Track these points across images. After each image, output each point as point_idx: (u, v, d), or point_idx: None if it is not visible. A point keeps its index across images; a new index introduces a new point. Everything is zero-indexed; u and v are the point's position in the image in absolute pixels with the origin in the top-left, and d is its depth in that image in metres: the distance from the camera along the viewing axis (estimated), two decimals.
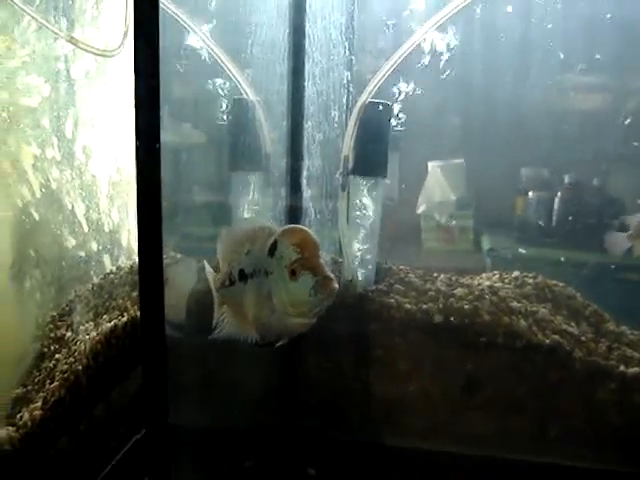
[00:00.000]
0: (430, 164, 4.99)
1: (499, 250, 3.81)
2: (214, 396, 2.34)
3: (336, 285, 1.42)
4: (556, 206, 4.85)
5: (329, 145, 2.30)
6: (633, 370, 2.27)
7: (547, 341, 2.28)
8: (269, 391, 2.34)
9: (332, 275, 1.41)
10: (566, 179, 4.94)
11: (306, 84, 2.22)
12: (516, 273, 2.68)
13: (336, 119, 2.30)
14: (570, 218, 4.81)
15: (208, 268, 1.70)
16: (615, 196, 4.91)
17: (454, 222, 4.71)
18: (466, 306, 2.30)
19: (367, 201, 2.40)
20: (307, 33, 2.22)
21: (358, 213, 2.40)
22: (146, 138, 1.34)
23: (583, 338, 2.34)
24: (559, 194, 4.87)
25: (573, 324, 2.42)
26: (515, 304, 2.36)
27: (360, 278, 2.40)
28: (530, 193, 4.95)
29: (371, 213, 2.40)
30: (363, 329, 2.34)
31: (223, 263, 1.62)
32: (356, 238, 2.42)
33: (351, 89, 2.32)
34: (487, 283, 2.52)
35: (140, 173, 1.35)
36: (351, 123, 2.38)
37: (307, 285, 1.41)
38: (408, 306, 2.32)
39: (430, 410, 2.34)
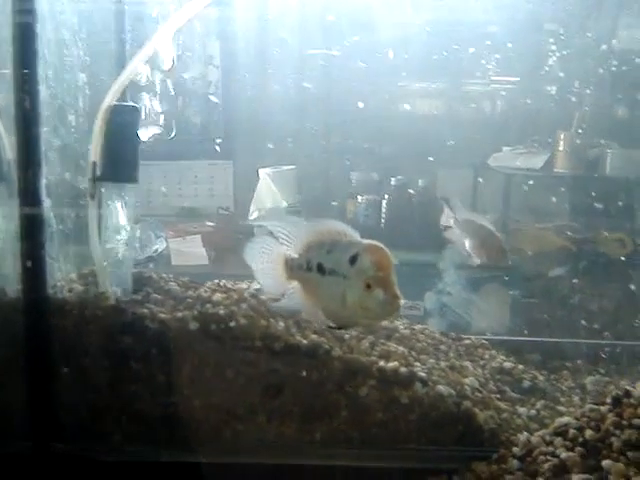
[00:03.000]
0: (261, 171, 4.95)
1: None
2: None
3: (402, 302, 1.67)
4: (384, 208, 4.93)
5: (69, 151, 2.18)
6: (392, 364, 2.25)
7: (305, 341, 2.23)
8: (17, 412, 2.17)
9: (399, 293, 1.66)
10: (392, 181, 5.05)
11: (40, 87, 2.08)
12: None
13: (73, 123, 2.18)
14: (396, 219, 4.91)
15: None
16: (441, 196, 5.04)
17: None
18: (221, 311, 2.22)
19: (119, 208, 2.28)
20: (37, 34, 2.09)
21: (110, 220, 2.28)
22: None
23: (347, 336, 2.31)
24: (386, 196, 4.96)
25: None
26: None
27: (115, 288, 2.28)
28: (359, 197, 5.02)
29: (124, 220, 2.29)
30: (116, 342, 2.21)
31: (303, 249, 1.81)
32: (109, 246, 2.29)
33: (87, 91, 2.20)
34: (257, 286, 2.46)
35: None
36: (97, 127, 2.26)
37: (378, 299, 1.65)
38: (163, 315, 2.22)
39: (194, 422, 2.24)
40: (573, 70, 5.06)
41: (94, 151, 2.26)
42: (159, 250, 4.84)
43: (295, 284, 1.84)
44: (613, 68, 4.88)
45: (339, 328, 1.94)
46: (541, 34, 4.99)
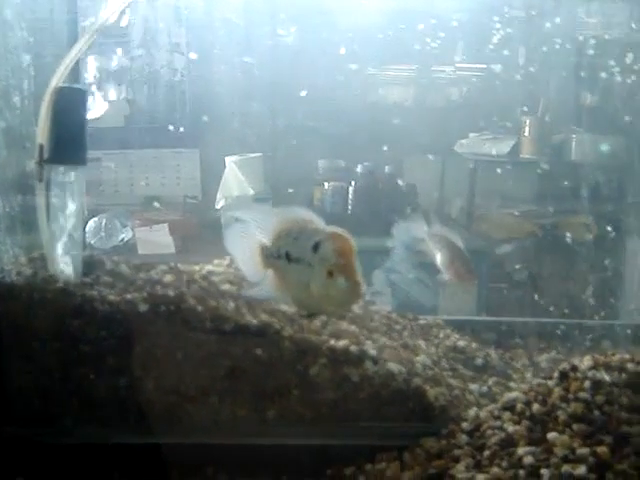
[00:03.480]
0: (227, 159, 4.94)
1: None
2: None
3: (364, 289, 1.70)
4: (350, 195, 4.94)
5: (14, 133, 2.15)
6: (342, 343, 2.26)
7: (255, 321, 2.23)
8: None
9: (362, 280, 1.68)
10: (359, 168, 5.06)
11: None
12: None
13: (18, 105, 2.15)
14: (362, 205, 4.92)
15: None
16: (408, 182, 5.07)
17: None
18: (171, 293, 2.22)
19: (67, 191, 2.26)
20: None
21: (58, 203, 2.26)
22: None
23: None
24: (353, 183, 4.97)
25: None
26: (226, 286, 2.30)
27: (65, 271, 2.27)
28: (326, 184, 5.02)
29: (73, 202, 2.27)
30: (65, 325, 2.20)
31: (275, 237, 1.83)
32: (58, 229, 2.28)
33: (32, 72, 2.18)
34: (209, 268, 2.46)
35: None
36: (43, 109, 2.24)
37: (340, 286, 1.67)
38: (112, 297, 2.21)
39: (145, 403, 2.23)
40: (538, 57, 5.09)
41: (41, 133, 2.24)
42: (125, 239, 4.82)
43: (269, 272, 1.86)
44: (580, 53, 4.91)
45: (309, 316, 2.00)
46: (507, 21, 5.01)
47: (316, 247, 1.71)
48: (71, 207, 2.29)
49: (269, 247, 1.84)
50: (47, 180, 2.25)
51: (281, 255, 1.79)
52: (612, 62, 4.65)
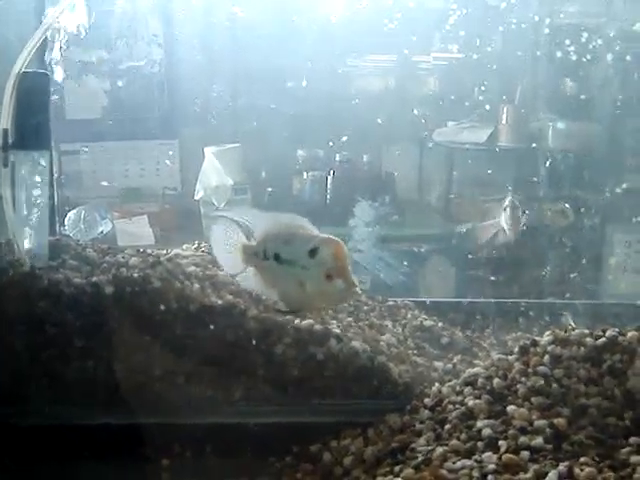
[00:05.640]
0: (206, 149, 4.95)
1: None
2: None
3: (359, 290, 2.01)
4: (329, 184, 4.97)
5: None
6: (307, 322, 2.29)
7: (220, 302, 2.26)
8: None
9: (357, 282, 1.91)
10: (337, 157, 5.08)
11: None
12: None
13: None
14: (341, 194, 4.95)
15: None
16: (387, 171, 5.10)
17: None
18: (136, 274, 2.24)
19: (33, 175, 2.28)
20: None
21: (24, 188, 2.28)
22: None
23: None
24: (331, 172, 4.99)
25: None
26: (192, 269, 2.33)
27: (32, 255, 2.28)
28: (305, 173, 5.04)
29: (38, 188, 2.29)
30: (32, 308, 2.22)
31: (261, 238, 2.00)
32: (24, 214, 2.30)
33: None
34: (176, 251, 2.48)
35: None
36: (7, 94, 2.25)
37: (338, 288, 1.87)
38: (77, 280, 2.23)
39: (112, 384, 2.26)
40: (515, 44, 5.12)
41: (5, 118, 2.25)
42: (104, 232, 4.82)
43: (250, 268, 2.05)
44: (556, 41, 4.94)
45: (292, 312, 2.15)
46: (483, 9, 5.04)
47: (313, 252, 1.89)
48: (36, 192, 2.30)
49: (252, 246, 2.02)
50: (12, 165, 2.26)
51: (268, 256, 1.97)
52: (590, 49, 4.69)
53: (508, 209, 3.59)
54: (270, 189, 5.08)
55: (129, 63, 5.07)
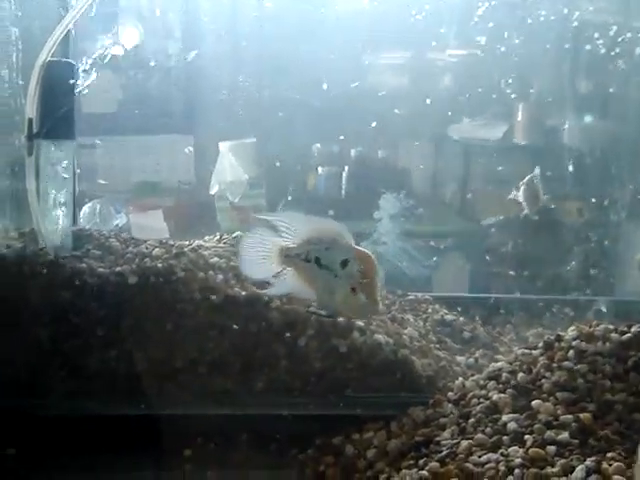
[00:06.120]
0: (221, 144, 4.94)
1: None
2: None
3: (381, 307, 2.05)
4: (344, 180, 4.94)
5: (2, 106, 2.17)
6: None
7: (243, 293, 2.25)
8: None
9: (379, 299, 1.95)
10: (352, 153, 5.05)
11: None
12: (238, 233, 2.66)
13: (6, 78, 2.17)
14: (356, 190, 4.93)
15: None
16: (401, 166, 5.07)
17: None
18: (160, 265, 2.24)
19: (58, 165, 2.28)
20: None
21: (48, 177, 2.28)
22: None
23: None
24: (346, 168, 4.97)
25: None
26: (215, 259, 2.32)
27: (56, 245, 2.28)
28: (319, 168, 5.02)
29: (63, 177, 2.29)
30: (55, 297, 2.22)
31: (302, 241, 2.00)
32: (49, 203, 2.30)
33: (20, 46, 2.19)
34: (199, 243, 2.48)
35: None
36: (32, 83, 2.25)
37: (360, 302, 1.91)
38: (101, 270, 2.23)
39: (135, 374, 2.26)
40: (533, 42, 5.09)
41: (30, 108, 2.25)
42: (120, 225, 4.82)
43: (288, 270, 2.02)
44: (574, 39, 4.91)
45: (328, 316, 2.19)
46: (500, 5, 5.01)
47: (344, 264, 1.93)
48: (61, 181, 2.30)
49: (294, 248, 2.01)
50: (37, 154, 2.26)
51: (310, 259, 1.98)
52: (607, 47, 4.66)
53: (525, 185, 3.59)
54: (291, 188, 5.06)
55: (145, 57, 5.06)
